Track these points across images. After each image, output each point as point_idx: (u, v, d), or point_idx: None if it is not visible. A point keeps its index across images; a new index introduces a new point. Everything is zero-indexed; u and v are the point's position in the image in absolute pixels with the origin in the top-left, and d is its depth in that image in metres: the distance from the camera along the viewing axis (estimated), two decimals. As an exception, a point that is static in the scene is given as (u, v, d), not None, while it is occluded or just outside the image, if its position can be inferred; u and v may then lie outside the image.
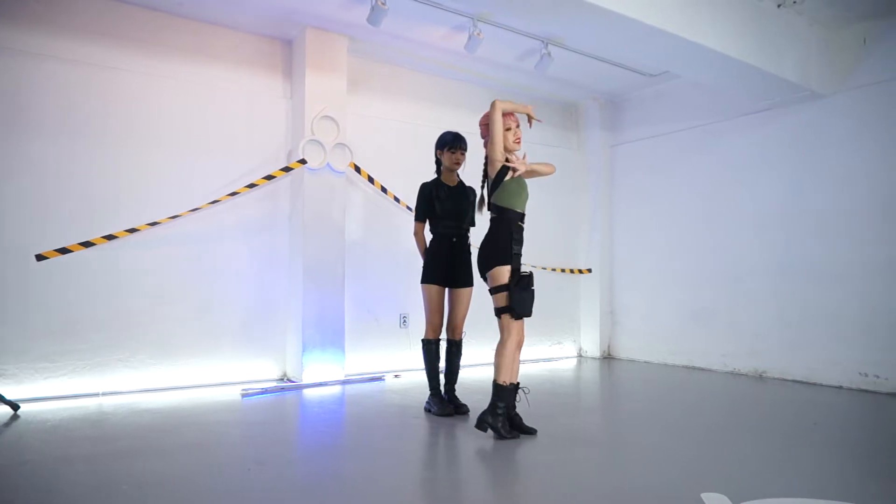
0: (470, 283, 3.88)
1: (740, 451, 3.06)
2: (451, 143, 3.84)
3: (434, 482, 2.63)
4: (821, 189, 5.06)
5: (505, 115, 3.30)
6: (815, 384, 4.98)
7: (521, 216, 3.29)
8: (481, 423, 3.23)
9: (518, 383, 3.32)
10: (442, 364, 3.94)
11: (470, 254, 3.92)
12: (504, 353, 3.19)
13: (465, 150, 3.87)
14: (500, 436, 3.19)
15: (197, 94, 4.74)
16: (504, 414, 3.22)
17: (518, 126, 3.37)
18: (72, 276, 4.21)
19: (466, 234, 3.90)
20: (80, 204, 4.26)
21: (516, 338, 3.20)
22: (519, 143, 3.36)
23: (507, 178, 3.21)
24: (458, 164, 3.86)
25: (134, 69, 4.51)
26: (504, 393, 3.20)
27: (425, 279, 3.82)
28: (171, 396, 4.28)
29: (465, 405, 3.85)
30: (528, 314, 3.19)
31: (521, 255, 3.25)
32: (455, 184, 3.92)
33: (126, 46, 4.49)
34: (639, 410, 4.16)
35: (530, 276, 3.20)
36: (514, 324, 3.18)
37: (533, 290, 3.19)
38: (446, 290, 3.86)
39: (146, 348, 4.46)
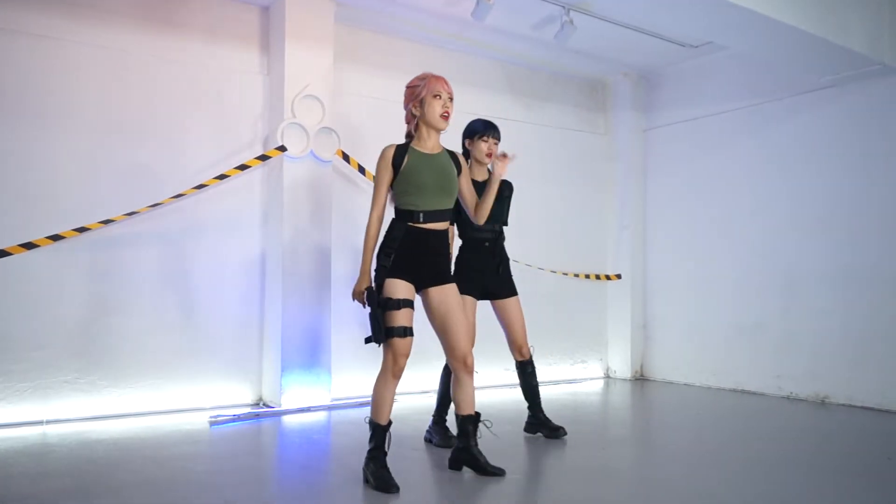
0: (514, 292, 3.98)
1: (799, 491, 3.03)
2: (482, 131, 3.87)
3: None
4: (894, 180, 5.02)
5: (434, 79, 3.14)
6: (888, 411, 4.93)
7: (416, 215, 3.08)
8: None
9: (478, 414, 3.20)
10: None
11: (507, 258, 4.01)
12: (375, 384, 3.10)
13: (499, 138, 3.90)
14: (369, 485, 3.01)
15: (156, 69, 4.72)
16: (376, 458, 3.03)
17: (451, 99, 3.17)
18: (8, 283, 4.18)
19: (501, 235, 3.98)
20: (17, 198, 4.24)
21: (388, 366, 3.03)
22: (447, 118, 3.15)
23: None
24: (492, 154, 3.85)
25: (80, 39, 4.48)
26: (374, 432, 3.07)
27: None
28: (127, 425, 4.27)
29: (562, 427, 3.98)
30: (373, 339, 3.03)
31: (388, 267, 3.05)
32: (486, 179, 3.88)
33: (71, 13, 4.47)
34: (677, 442, 4.13)
35: (370, 291, 3.05)
36: (384, 351, 3.04)
37: (374, 311, 3.00)
38: (489, 303, 3.95)
39: (97, 368, 4.43)
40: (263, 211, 5.08)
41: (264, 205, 5.08)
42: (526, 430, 4.12)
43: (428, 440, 3.90)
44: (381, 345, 3.02)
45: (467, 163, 3.90)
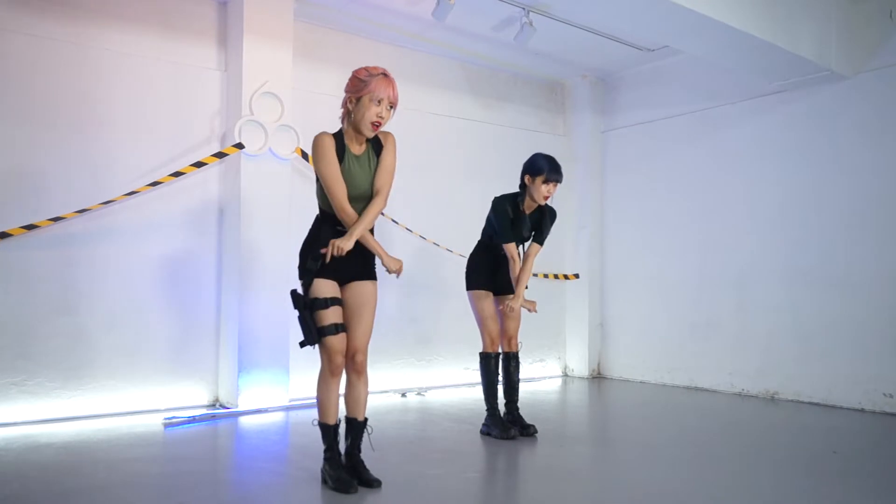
0: (513, 290, 4.14)
1: (750, 483, 3.09)
2: (546, 175, 3.92)
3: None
4: (841, 182, 5.16)
5: (382, 81, 2.94)
6: (833, 406, 5.07)
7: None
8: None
9: (364, 420, 3.11)
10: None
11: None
12: (317, 387, 3.08)
13: (561, 181, 3.98)
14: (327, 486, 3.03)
15: (109, 63, 4.61)
16: (331, 459, 3.04)
17: (391, 108, 2.97)
18: (-46, 282, 4.06)
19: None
20: (-35, 194, 4.11)
21: (325, 366, 3.02)
22: (377, 127, 2.95)
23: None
24: (548, 197, 3.99)
25: (31, 31, 4.36)
26: (324, 434, 3.06)
27: (476, 285, 4.13)
28: (78, 428, 4.18)
29: (533, 426, 4.07)
30: (307, 342, 2.99)
31: (315, 269, 2.98)
32: (533, 211, 4.09)
33: (22, 4, 4.34)
34: (633, 439, 4.18)
35: (295, 295, 3.02)
36: (319, 351, 3.03)
37: (302, 313, 2.97)
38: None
39: (46, 370, 4.33)
40: (220, 209, 5.01)
41: (221, 203, 5.01)
42: (482, 431, 4.11)
43: (486, 433, 4.03)
44: (316, 346, 2.99)
45: (522, 195, 4.02)
